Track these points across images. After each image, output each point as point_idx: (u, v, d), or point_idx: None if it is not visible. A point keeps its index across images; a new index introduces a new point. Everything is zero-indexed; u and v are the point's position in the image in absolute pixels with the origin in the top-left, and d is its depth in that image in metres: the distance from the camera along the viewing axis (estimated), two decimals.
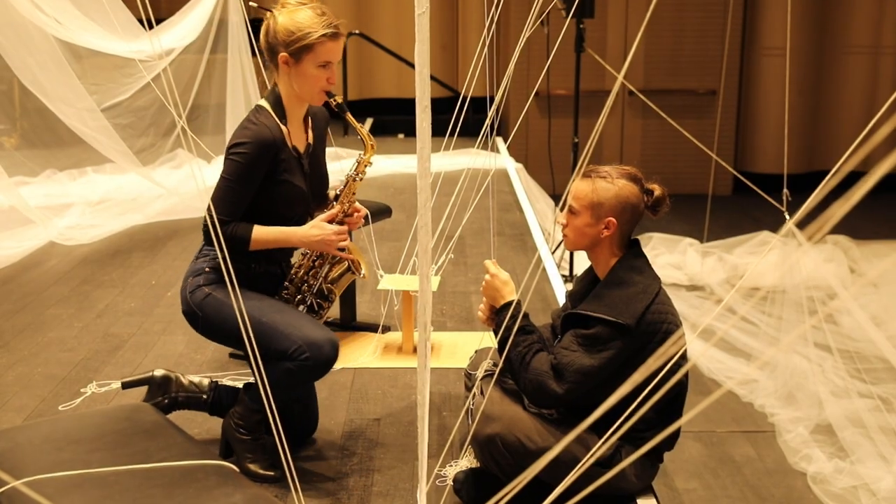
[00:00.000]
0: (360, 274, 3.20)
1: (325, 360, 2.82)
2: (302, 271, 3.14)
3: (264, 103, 2.98)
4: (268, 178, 2.91)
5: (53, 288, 5.05)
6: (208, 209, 2.80)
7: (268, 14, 2.96)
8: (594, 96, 8.39)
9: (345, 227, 3.05)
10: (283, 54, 2.89)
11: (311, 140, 3.10)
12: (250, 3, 3.25)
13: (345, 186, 3.13)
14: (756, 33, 9.41)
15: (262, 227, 2.92)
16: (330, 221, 3.01)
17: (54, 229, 5.99)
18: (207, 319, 2.93)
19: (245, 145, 2.85)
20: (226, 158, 2.90)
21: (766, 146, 9.49)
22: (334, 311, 4.41)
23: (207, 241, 2.91)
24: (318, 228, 2.98)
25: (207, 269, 2.95)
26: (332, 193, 3.18)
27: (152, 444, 2.35)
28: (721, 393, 4.57)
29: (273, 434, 3.02)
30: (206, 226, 2.85)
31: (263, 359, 2.87)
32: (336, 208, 3.08)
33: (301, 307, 3.12)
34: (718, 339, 5.27)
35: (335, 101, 3.01)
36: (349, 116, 3.08)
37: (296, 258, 3.20)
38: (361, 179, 3.13)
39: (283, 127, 2.95)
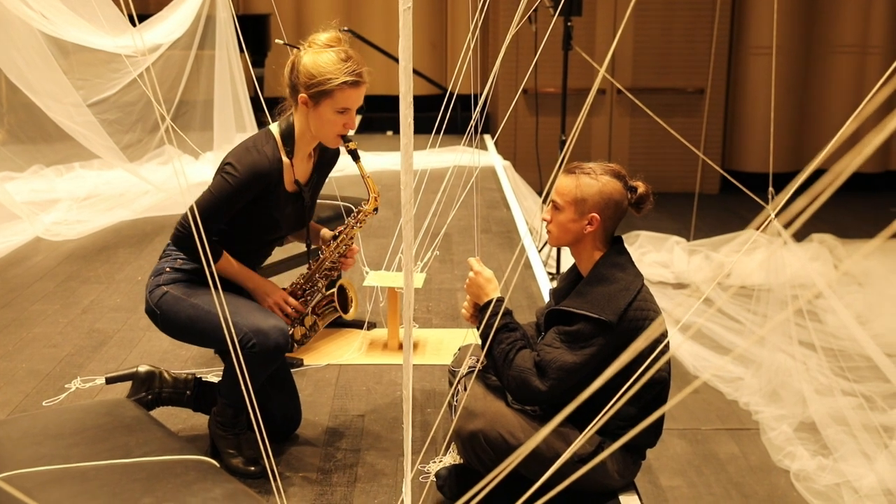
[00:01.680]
0: (345, 313, 3.22)
1: (272, 346, 2.81)
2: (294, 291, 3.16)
3: (275, 131, 2.98)
4: (253, 203, 2.93)
5: (39, 283, 5.03)
6: (184, 215, 2.83)
7: (294, 51, 2.95)
8: (582, 94, 8.40)
9: (298, 307, 3.08)
10: (302, 95, 2.90)
11: (312, 172, 3.11)
12: (276, 41, 3.24)
13: (344, 229, 3.14)
14: (744, 32, 9.43)
15: (229, 258, 2.97)
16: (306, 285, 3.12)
17: (40, 225, 5.98)
18: (165, 316, 2.96)
19: (238, 171, 2.85)
20: (218, 173, 2.90)
21: (753, 145, 9.52)
22: None
23: (176, 242, 2.92)
24: (276, 295, 3.02)
25: (168, 269, 2.99)
26: (329, 234, 3.20)
27: (132, 439, 2.34)
28: (699, 383, 4.58)
29: (253, 430, 3.03)
30: (180, 230, 2.88)
31: (222, 352, 2.90)
32: (304, 276, 3.15)
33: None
34: (704, 338, 5.28)
35: (350, 147, 3.01)
36: (360, 165, 3.07)
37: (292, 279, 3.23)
38: (360, 227, 3.16)
39: (285, 160, 2.95)
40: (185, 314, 2.90)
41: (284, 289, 3.14)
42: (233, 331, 2.65)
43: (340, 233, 3.15)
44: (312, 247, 3.24)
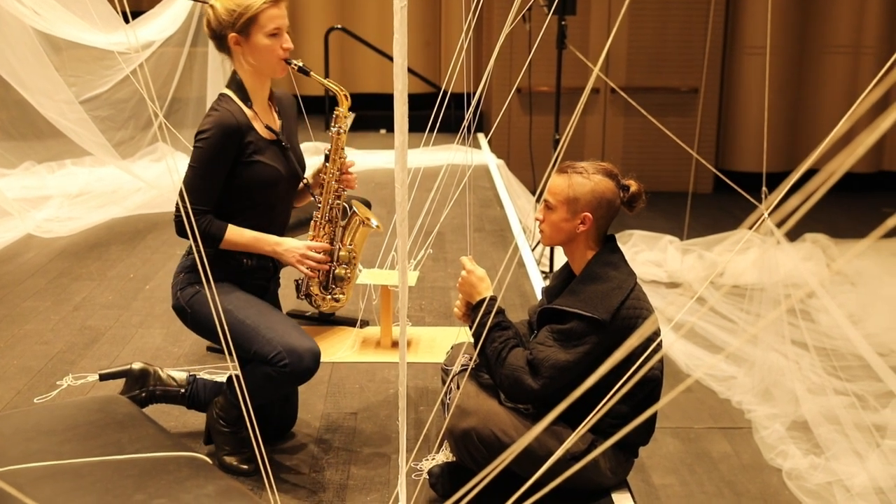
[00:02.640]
0: (374, 226, 3.21)
1: (304, 369, 2.80)
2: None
3: (227, 91, 2.97)
4: (237, 163, 2.90)
5: (30, 280, 5.02)
6: (179, 200, 2.79)
7: (206, 7, 2.95)
8: (576, 93, 8.38)
9: (324, 259, 3.05)
10: (231, 35, 2.89)
11: (279, 119, 3.09)
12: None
13: (331, 145, 3.13)
14: (738, 32, 9.44)
15: (236, 227, 2.92)
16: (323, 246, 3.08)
17: (32, 222, 5.96)
18: (196, 316, 2.93)
19: (208, 131, 2.84)
20: (193, 148, 2.89)
21: (747, 144, 9.53)
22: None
23: (180, 232, 2.89)
24: (298, 247, 2.98)
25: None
26: (319, 166, 3.18)
27: (125, 436, 2.33)
28: (690, 381, 4.59)
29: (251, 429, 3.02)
30: (178, 217, 2.84)
31: (244, 360, 2.86)
32: (321, 219, 3.12)
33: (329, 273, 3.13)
34: (697, 337, 5.29)
35: (296, 65, 2.99)
36: (314, 75, 3.04)
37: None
38: (344, 132, 3.12)
39: (247, 110, 2.93)
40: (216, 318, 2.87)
41: (308, 237, 3.14)
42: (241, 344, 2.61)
43: (330, 150, 3.12)
44: (312, 189, 3.20)
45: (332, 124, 3.13)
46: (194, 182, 2.85)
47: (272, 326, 2.83)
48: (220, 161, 2.86)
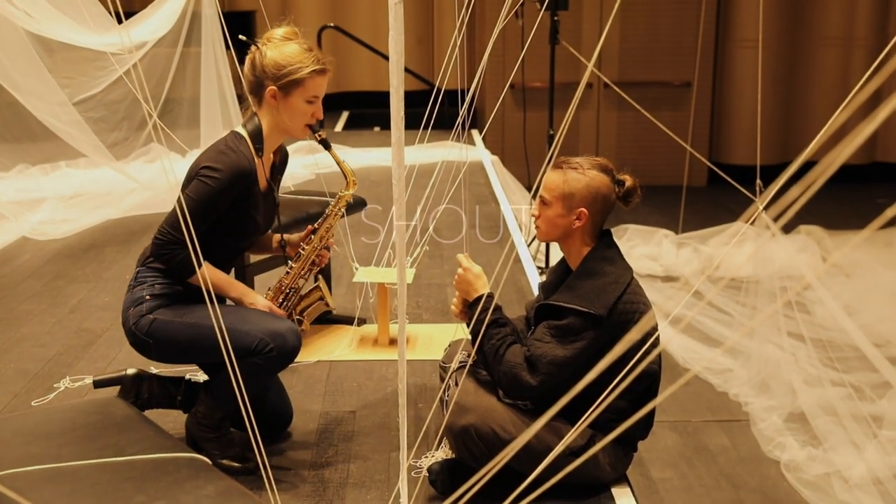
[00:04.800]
0: (328, 306, 3.22)
1: (290, 349, 2.81)
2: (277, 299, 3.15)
3: (243, 132, 2.96)
4: (232, 207, 2.89)
5: (26, 283, 5.01)
6: (164, 224, 2.82)
7: (253, 48, 2.95)
8: (569, 88, 8.39)
9: (282, 314, 3.03)
10: (271, 88, 2.89)
11: (272, 172, 3.11)
12: (239, 37, 3.23)
13: (324, 220, 3.14)
14: (730, 25, 9.45)
15: (211, 266, 2.93)
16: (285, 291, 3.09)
17: (27, 224, 5.95)
18: (159, 344, 2.89)
19: (220, 172, 2.81)
20: (196, 178, 2.85)
21: (740, 137, 9.54)
22: None
23: (156, 255, 2.87)
24: (262, 303, 2.97)
25: (148, 297, 2.89)
26: (298, 236, 3.21)
27: (123, 438, 2.33)
28: (690, 376, 4.60)
29: (241, 428, 3.02)
30: (159, 240, 2.85)
31: (221, 364, 2.86)
32: (295, 268, 3.12)
33: None
34: (693, 330, 5.30)
35: (320, 135, 3.02)
36: (332, 152, 3.10)
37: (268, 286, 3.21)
38: (343, 216, 3.17)
39: (256, 160, 2.93)
40: (184, 335, 2.84)
41: (266, 294, 3.13)
42: (227, 338, 2.62)
43: (320, 225, 3.14)
44: (287, 249, 3.22)
45: (334, 204, 3.16)
46: (191, 214, 2.84)
47: (244, 319, 2.83)
48: (220, 203, 2.86)
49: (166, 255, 2.85)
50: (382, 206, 6.15)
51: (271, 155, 3.08)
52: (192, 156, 6.67)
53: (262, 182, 3.00)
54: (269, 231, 3.21)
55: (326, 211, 3.17)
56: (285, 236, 3.19)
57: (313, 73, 2.89)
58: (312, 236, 3.15)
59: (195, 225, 2.83)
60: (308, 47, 2.93)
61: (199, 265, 2.79)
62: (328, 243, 3.17)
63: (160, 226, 2.87)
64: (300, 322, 3.17)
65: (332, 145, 3.15)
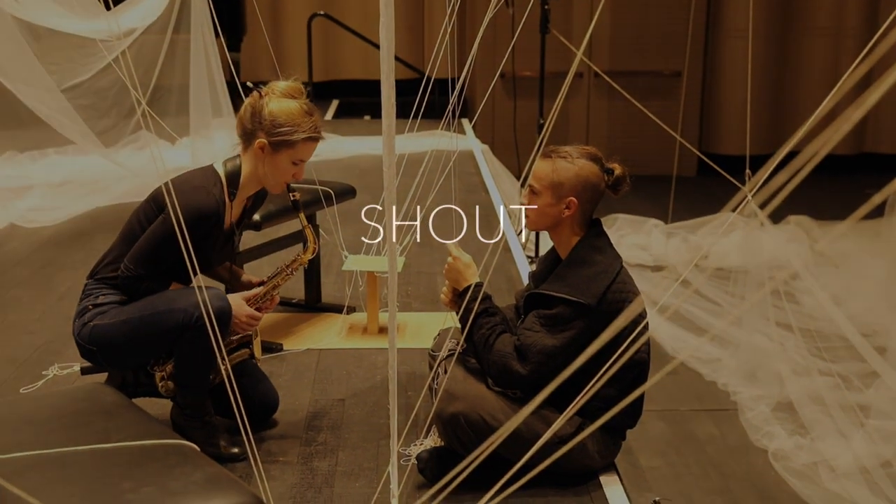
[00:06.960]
0: (254, 359, 3.16)
1: (216, 310, 2.70)
2: None
3: (221, 171, 2.94)
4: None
5: (14, 270, 4.99)
6: (128, 259, 2.83)
7: (253, 95, 2.93)
8: (559, 77, 8.37)
9: (259, 315, 3.02)
10: (261, 140, 2.88)
11: (241, 215, 3.10)
12: (247, 83, 3.21)
13: (276, 275, 3.11)
14: (721, 15, 9.46)
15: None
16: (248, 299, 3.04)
17: (15, 211, 5.92)
18: (103, 350, 2.88)
19: (187, 214, 2.73)
20: (162, 216, 2.84)
21: (730, 127, 9.56)
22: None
23: (122, 291, 2.89)
24: (235, 305, 2.94)
25: (91, 307, 2.89)
26: (256, 280, 3.19)
27: (111, 424, 2.33)
28: (676, 363, 4.62)
29: (224, 416, 3.01)
30: (121, 279, 2.85)
31: (168, 346, 2.84)
32: (259, 290, 3.09)
33: None
34: (682, 319, 5.31)
35: (294, 195, 3.03)
36: (301, 216, 3.10)
37: None
38: (293, 274, 3.15)
39: (227, 202, 2.93)
40: (121, 333, 2.83)
41: None
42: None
43: (271, 279, 3.11)
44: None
45: (289, 265, 3.13)
46: (147, 249, 2.84)
47: (163, 301, 2.82)
48: (180, 242, 2.83)
49: (131, 290, 2.87)
50: (372, 195, 6.13)
51: (247, 199, 3.08)
52: (182, 143, 6.65)
53: (227, 223, 2.99)
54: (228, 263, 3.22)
55: (279, 269, 3.13)
56: (241, 277, 3.21)
57: (307, 139, 2.89)
58: (261, 286, 3.11)
59: (155, 260, 2.85)
60: (308, 110, 2.91)
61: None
62: (273, 302, 3.12)
63: (124, 261, 2.87)
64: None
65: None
